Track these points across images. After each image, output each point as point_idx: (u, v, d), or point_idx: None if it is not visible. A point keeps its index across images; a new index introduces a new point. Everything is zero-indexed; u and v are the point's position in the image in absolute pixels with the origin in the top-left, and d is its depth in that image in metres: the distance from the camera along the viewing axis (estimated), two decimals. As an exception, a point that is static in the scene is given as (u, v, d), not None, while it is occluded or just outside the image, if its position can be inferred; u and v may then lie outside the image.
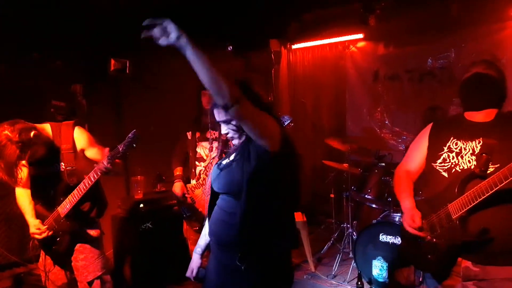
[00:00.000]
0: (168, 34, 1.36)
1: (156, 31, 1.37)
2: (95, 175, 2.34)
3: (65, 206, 2.44)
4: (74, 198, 2.41)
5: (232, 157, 1.81)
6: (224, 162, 1.85)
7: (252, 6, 4.50)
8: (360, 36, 4.90)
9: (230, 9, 4.47)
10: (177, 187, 3.26)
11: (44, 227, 2.45)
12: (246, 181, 1.64)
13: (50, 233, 2.46)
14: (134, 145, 2.30)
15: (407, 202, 2.01)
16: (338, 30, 4.99)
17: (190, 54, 1.37)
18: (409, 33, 4.55)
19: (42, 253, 2.61)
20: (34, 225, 2.45)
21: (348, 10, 4.64)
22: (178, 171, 3.33)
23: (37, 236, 2.44)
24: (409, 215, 1.94)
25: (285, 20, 5.13)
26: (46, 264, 2.59)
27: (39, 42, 3.62)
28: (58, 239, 2.49)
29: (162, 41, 1.37)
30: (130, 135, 2.32)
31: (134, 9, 3.89)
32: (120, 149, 2.31)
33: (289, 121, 2.38)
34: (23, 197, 2.55)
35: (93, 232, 2.61)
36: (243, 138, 1.75)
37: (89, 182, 2.36)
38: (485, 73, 1.87)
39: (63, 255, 2.53)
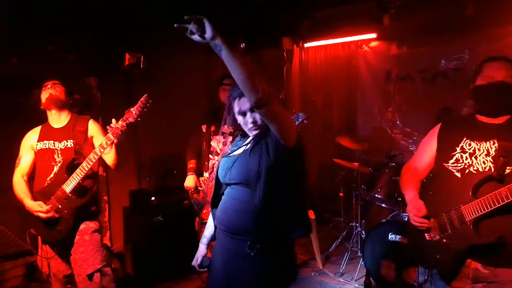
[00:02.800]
0: (204, 32, 1.40)
1: (192, 26, 1.40)
2: (107, 142, 2.39)
3: (71, 182, 2.45)
4: (82, 172, 2.43)
5: (244, 148, 1.85)
6: (234, 152, 1.89)
7: (265, 4, 4.51)
8: (373, 35, 4.87)
9: (242, 7, 4.49)
10: (190, 180, 3.27)
11: (48, 207, 2.44)
12: (264, 173, 1.69)
13: (54, 214, 2.44)
14: (145, 109, 2.36)
15: (410, 193, 2.02)
16: (351, 29, 4.97)
17: (224, 54, 1.43)
18: (423, 33, 4.51)
19: (40, 245, 2.61)
20: (38, 204, 2.45)
21: (361, 8, 4.62)
22: (191, 163, 3.34)
23: (42, 215, 2.43)
24: (412, 204, 1.95)
25: (298, 18, 5.12)
26: (45, 254, 2.59)
27: (53, 35, 3.68)
28: (61, 219, 2.48)
29: (195, 37, 1.41)
30: (142, 99, 2.37)
31: (149, 4, 3.93)
32: (134, 112, 2.35)
33: (303, 118, 2.39)
34: (20, 184, 2.58)
35: (95, 209, 2.65)
36: (261, 129, 1.80)
37: (101, 150, 2.41)
38: (507, 83, 1.80)
39: (66, 238, 2.52)
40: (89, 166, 2.43)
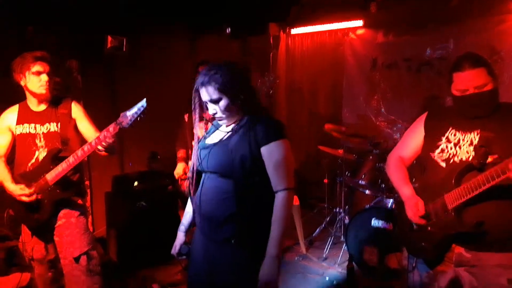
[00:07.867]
0: None
1: None
2: (96, 141, 2.29)
3: (55, 173, 2.37)
4: (67, 165, 2.35)
5: (222, 134, 1.83)
6: (209, 140, 1.87)
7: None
8: (360, 23, 4.87)
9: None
10: (179, 167, 3.28)
11: (31, 189, 2.37)
12: (246, 167, 1.71)
13: (37, 196, 2.38)
14: (142, 116, 2.21)
15: (407, 190, 2.02)
16: (338, 16, 4.96)
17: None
18: (409, 22, 4.52)
19: (24, 229, 2.56)
20: (20, 188, 2.37)
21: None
22: (180, 153, 3.36)
23: (24, 198, 2.37)
24: (412, 203, 1.94)
25: (285, 4, 5.08)
26: (28, 237, 2.54)
27: (34, 15, 3.55)
28: (41, 207, 2.42)
29: None
30: (139, 105, 2.21)
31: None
32: (129, 118, 2.21)
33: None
34: None
35: (80, 201, 2.58)
36: (233, 119, 1.81)
37: (89, 148, 2.32)
38: (484, 92, 1.81)
39: (44, 225, 2.47)
40: (76, 162, 2.35)
